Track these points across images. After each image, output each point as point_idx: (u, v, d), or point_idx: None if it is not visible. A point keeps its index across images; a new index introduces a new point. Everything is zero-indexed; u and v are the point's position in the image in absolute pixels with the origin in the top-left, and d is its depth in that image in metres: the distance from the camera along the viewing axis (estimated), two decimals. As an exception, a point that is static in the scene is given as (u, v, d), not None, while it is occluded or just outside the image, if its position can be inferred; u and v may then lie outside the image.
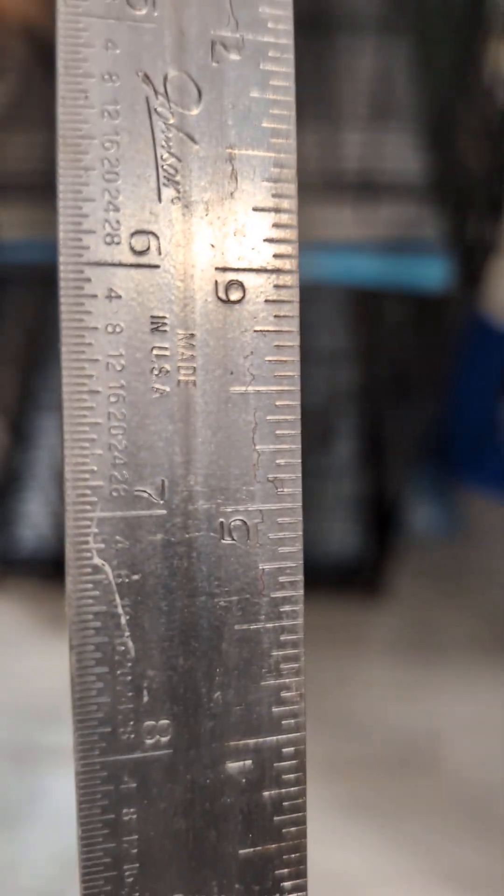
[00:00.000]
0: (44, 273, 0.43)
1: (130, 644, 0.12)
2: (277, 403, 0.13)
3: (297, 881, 0.14)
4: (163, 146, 0.12)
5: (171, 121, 0.12)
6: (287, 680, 0.13)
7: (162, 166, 0.12)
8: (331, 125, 0.52)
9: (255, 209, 0.13)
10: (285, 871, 0.13)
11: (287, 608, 0.13)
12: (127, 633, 0.12)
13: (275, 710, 0.13)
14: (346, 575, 0.66)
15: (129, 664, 0.12)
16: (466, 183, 0.52)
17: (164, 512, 0.13)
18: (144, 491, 0.12)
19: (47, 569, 0.63)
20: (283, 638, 0.13)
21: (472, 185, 0.51)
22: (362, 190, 0.52)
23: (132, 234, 0.12)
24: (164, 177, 0.12)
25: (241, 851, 0.13)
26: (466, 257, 0.51)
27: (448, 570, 0.69)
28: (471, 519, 0.73)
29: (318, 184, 0.52)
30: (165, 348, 0.12)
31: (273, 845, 0.13)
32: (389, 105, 0.53)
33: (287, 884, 0.13)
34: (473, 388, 0.69)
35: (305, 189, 0.53)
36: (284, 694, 0.13)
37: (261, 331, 0.13)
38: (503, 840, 0.53)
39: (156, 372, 0.12)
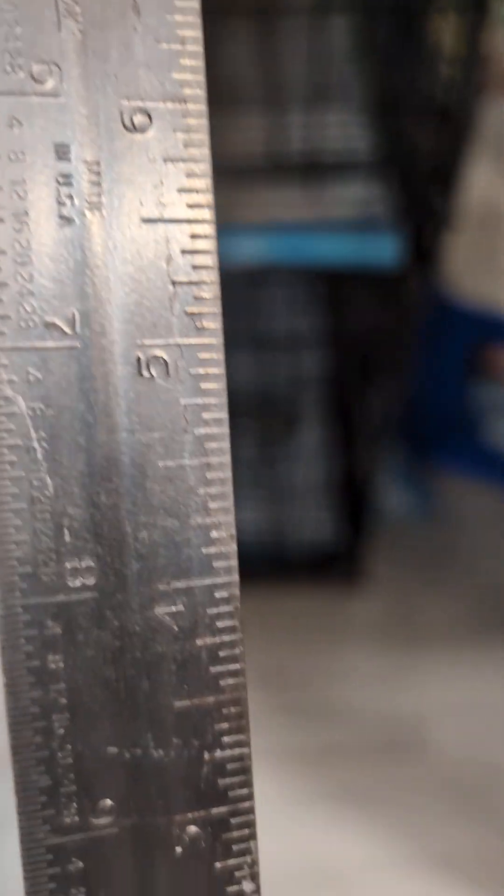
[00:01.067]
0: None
1: (48, 480, 0.12)
2: (192, 234, 0.13)
3: (238, 736, 0.13)
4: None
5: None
6: (216, 519, 0.13)
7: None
8: (275, 108, 0.52)
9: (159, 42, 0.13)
10: (225, 724, 0.13)
11: (213, 445, 0.13)
12: (44, 468, 0.12)
13: (204, 550, 0.13)
14: (322, 562, 0.66)
15: (48, 500, 0.12)
16: (414, 159, 0.52)
17: (77, 344, 0.12)
18: (54, 323, 0.12)
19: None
20: (209, 475, 0.13)
21: (420, 160, 0.51)
22: (310, 171, 0.52)
23: (33, 64, 0.12)
24: (64, 9, 0.12)
25: (177, 703, 0.13)
26: (419, 233, 0.52)
27: (425, 553, 0.69)
28: (445, 501, 0.73)
29: (265, 166, 0.52)
30: (69, 176, 0.12)
31: (211, 697, 0.13)
32: (333, 85, 0.53)
33: (227, 738, 0.13)
34: (441, 369, 0.69)
35: (253, 172, 0.53)
36: (214, 534, 0.13)
37: (171, 159, 0.13)
38: (492, 820, 0.53)
39: (61, 200, 0.12)
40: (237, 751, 0.13)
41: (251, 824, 0.14)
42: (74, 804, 0.12)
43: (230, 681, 0.13)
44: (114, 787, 0.13)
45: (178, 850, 0.13)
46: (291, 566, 0.66)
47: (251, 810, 0.13)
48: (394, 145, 0.53)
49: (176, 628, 0.13)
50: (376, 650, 0.63)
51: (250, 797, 0.13)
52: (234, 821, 0.13)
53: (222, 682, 0.13)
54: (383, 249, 0.52)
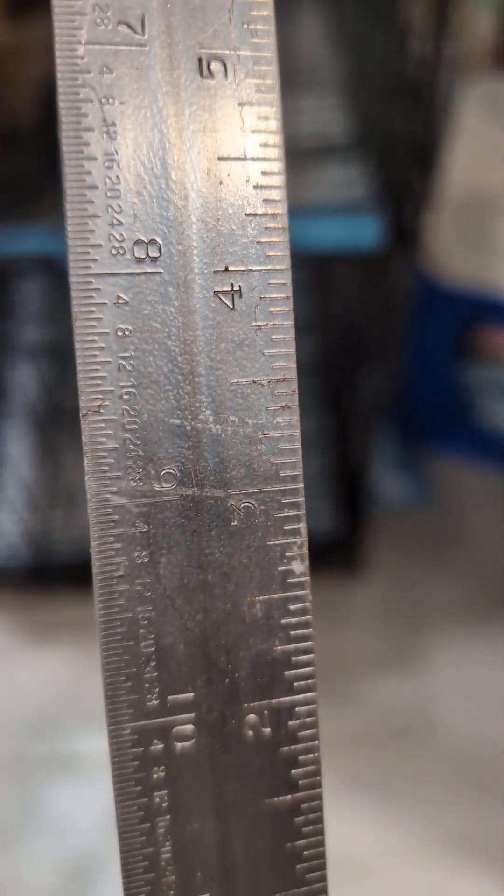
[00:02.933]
0: None
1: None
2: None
3: (291, 418, 0.16)
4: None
5: None
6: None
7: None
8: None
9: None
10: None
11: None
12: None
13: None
14: (322, 552, 0.66)
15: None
16: (391, 139, 0.52)
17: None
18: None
19: (21, 577, 0.62)
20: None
21: (397, 140, 0.51)
22: (286, 156, 0.52)
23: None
24: None
25: (233, 380, 0.15)
26: (399, 213, 0.52)
27: (424, 537, 0.70)
28: (441, 484, 0.73)
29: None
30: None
31: (264, 377, 0.16)
32: (306, 70, 0.53)
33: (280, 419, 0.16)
34: (431, 352, 0.69)
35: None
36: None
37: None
38: (500, 803, 0.53)
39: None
40: (287, 432, 0.15)
41: (300, 507, 0.16)
42: (140, 470, 0.14)
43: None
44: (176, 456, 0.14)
45: (234, 522, 0.15)
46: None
47: (301, 492, 0.16)
48: (369, 126, 0.54)
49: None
50: (380, 636, 0.63)
51: (300, 480, 0.16)
52: (284, 500, 0.15)
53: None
54: (364, 231, 0.52)
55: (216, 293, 0.14)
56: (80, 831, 0.51)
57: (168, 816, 0.15)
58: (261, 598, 0.15)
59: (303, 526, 0.16)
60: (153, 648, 0.14)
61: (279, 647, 0.16)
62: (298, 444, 0.16)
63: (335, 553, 0.66)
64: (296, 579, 0.16)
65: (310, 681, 0.17)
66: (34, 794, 0.53)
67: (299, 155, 0.53)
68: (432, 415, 0.73)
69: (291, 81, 0.54)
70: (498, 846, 0.51)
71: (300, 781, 0.16)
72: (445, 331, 0.68)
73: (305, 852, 0.17)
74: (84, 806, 0.51)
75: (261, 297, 0.14)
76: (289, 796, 0.16)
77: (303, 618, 0.16)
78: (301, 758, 0.16)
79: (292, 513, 0.15)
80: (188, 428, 0.14)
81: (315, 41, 0.55)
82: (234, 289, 0.14)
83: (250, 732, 0.15)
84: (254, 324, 0.14)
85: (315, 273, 0.62)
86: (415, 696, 0.59)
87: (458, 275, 0.66)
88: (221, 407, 0.14)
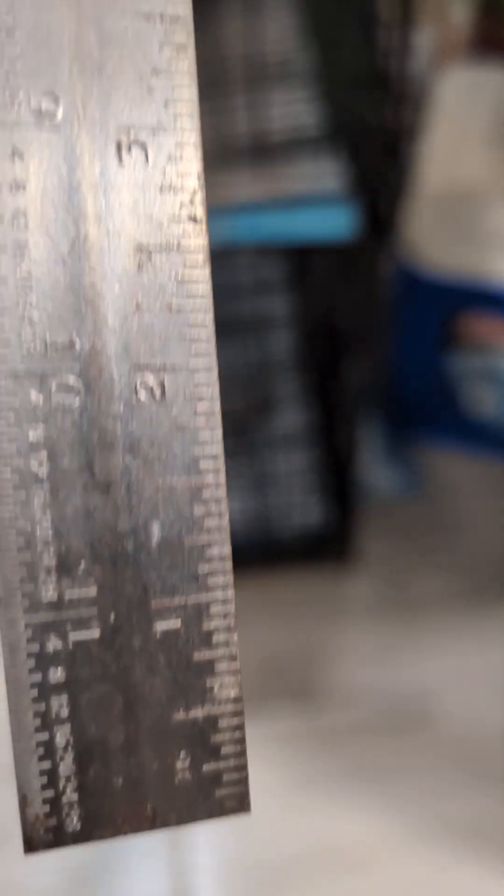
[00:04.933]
0: None
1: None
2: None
3: None
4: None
5: None
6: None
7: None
8: (217, 92, 0.53)
9: None
10: None
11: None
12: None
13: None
14: (313, 546, 0.66)
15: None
16: (362, 129, 0.52)
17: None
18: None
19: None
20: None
21: (368, 130, 0.52)
22: (258, 151, 0.53)
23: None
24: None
25: None
26: (373, 203, 0.52)
27: (415, 529, 0.70)
28: (430, 474, 0.73)
29: (212, 151, 0.53)
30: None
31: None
32: (274, 63, 0.54)
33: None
34: (415, 343, 0.70)
35: (203, 158, 0.53)
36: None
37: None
38: (498, 789, 0.53)
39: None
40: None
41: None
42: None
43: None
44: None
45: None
46: (281, 552, 0.66)
47: None
48: (341, 118, 0.54)
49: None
50: (374, 628, 0.63)
51: None
52: None
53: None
54: (339, 222, 0.53)
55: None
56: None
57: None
58: None
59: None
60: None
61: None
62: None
63: (326, 546, 0.66)
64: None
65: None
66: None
67: (271, 149, 0.54)
68: (419, 405, 0.73)
69: (261, 75, 0.54)
70: (495, 833, 0.51)
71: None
72: (429, 320, 0.68)
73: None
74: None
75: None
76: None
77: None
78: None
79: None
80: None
81: (285, 34, 0.55)
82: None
83: None
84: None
85: (293, 266, 0.62)
86: (409, 686, 0.59)
87: (439, 264, 0.66)
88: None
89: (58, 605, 0.14)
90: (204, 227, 0.14)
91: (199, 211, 0.14)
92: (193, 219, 0.14)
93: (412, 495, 0.72)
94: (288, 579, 0.66)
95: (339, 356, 0.61)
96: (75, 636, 0.14)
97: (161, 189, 0.14)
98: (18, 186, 0.13)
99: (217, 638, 0.15)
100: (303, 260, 0.62)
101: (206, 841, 0.50)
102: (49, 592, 0.14)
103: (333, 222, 0.52)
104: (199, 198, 0.14)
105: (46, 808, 0.15)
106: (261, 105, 0.53)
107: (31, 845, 0.16)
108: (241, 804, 0.16)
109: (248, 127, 0.53)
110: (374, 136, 0.52)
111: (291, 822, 0.52)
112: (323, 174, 0.53)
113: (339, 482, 0.65)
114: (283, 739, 0.55)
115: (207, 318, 0.14)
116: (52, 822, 0.15)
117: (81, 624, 0.14)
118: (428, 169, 0.68)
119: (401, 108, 0.51)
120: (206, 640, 0.15)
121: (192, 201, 0.14)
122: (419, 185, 0.66)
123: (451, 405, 0.71)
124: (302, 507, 0.66)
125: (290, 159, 0.53)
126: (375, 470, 0.71)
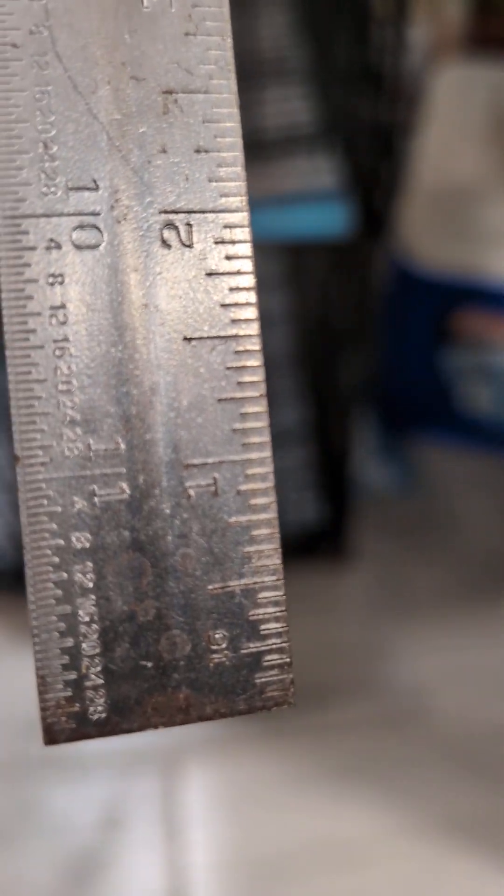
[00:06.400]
0: None
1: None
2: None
3: None
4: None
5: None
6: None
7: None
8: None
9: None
10: None
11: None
12: None
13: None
14: (308, 543, 0.67)
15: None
16: (356, 125, 0.53)
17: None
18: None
19: (8, 579, 0.62)
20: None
21: (362, 126, 0.52)
22: (253, 149, 0.53)
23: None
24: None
25: None
26: (368, 201, 0.52)
27: (410, 525, 0.70)
28: (425, 470, 0.73)
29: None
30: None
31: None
32: (268, 60, 0.54)
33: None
34: (410, 339, 0.70)
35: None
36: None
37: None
38: (495, 784, 0.53)
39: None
40: None
41: None
42: None
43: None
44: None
45: None
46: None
47: None
48: (335, 115, 0.54)
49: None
50: (370, 624, 0.64)
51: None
52: None
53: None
54: (333, 219, 0.53)
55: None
56: (77, 830, 0.51)
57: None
58: None
59: None
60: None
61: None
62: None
63: (321, 543, 0.67)
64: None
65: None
66: (32, 794, 0.53)
67: (266, 146, 0.54)
68: (414, 402, 0.73)
69: (256, 72, 0.54)
70: (492, 827, 0.51)
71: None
72: (423, 317, 0.68)
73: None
74: (82, 805, 0.52)
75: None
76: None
77: None
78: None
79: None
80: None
81: (279, 31, 0.55)
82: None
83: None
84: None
85: (288, 263, 0.62)
86: (405, 682, 0.60)
87: (434, 260, 0.66)
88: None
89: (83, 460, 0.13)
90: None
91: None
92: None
93: (407, 492, 0.72)
94: (284, 576, 0.65)
95: (333, 353, 0.61)
96: (102, 496, 0.13)
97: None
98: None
99: (255, 501, 0.14)
100: (297, 257, 0.62)
101: (203, 836, 0.51)
102: (73, 446, 0.13)
103: (328, 219, 0.52)
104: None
105: (68, 691, 0.13)
106: (255, 102, 0.54)
107: (50, 734, 0.14)
108: (284, 694, 0.15)
109: (243, 124, 0.53)
110: (369, 133, 0.52)
111: (289, 817, 0.52)
112: (318, 171, 0.54)
113: (334, 479, 0.65)
114: (278, 736, 0.55)
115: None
116: (75, 708, 0.14)
117: (108, 483, 0.13)
118: (422, 166, 0.68)
119: (395, 104, 0.51)
120: (244, 503, 0.14)
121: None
122: (414, 182, 0.66)
123: (446, 402, 0.71)
124: (297, 504, 0.66)
125: (285, 156, 0.53)
126: (370, 466, 0.72)
